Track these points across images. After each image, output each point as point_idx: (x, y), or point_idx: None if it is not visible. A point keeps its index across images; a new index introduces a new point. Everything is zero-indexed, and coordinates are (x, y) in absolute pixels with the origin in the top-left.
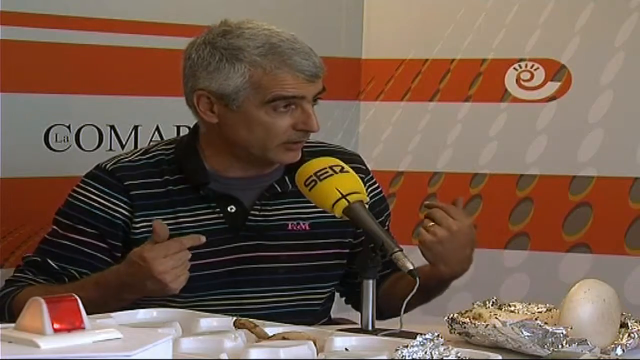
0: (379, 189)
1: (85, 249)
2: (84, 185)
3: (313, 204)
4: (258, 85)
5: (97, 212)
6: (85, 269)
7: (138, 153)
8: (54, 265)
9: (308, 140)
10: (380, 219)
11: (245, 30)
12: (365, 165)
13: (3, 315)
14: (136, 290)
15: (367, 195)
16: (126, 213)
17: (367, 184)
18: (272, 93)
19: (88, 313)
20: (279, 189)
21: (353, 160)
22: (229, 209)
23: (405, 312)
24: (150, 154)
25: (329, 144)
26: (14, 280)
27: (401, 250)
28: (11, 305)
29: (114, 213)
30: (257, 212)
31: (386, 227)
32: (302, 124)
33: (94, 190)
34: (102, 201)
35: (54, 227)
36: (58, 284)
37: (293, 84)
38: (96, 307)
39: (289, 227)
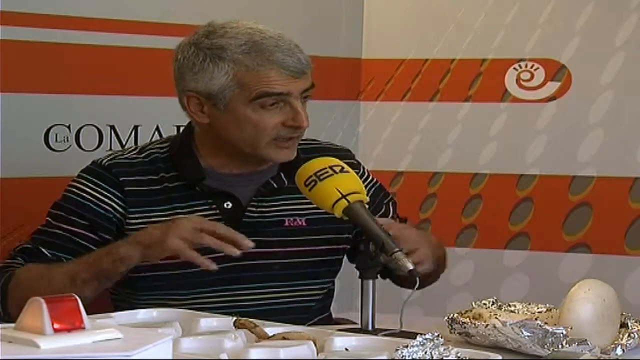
0: (375, 180)
1: (77, 239)
2: (78, 179)
3: (309, 200)
4: (242, 83)
5: (89, 204)
6: (76, 257)
7: (134, 151)
8: (45, 252)
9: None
10: (382, 211)
11: (229, 30)
12: (356, 160)
13: None
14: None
15: (365, 189)
16: (119, 209)
17: (362, 178)
18: (257, 90)
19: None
20: (275, 185)
21: (345, 156)
22: (225, 205)
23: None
24: (146, 152)
25: (319, 140)
26: (5, 266)
27: (401, 250)
28: (6, 290)
29: (106, 207)
30: (253, 209)
31: (392, 215)
32: (291, 120)
33: (87, 184)
34: (95, 194)
35: (48, 218)
36: (57, 264)
37: (278, 81)
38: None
39: (286, 223)
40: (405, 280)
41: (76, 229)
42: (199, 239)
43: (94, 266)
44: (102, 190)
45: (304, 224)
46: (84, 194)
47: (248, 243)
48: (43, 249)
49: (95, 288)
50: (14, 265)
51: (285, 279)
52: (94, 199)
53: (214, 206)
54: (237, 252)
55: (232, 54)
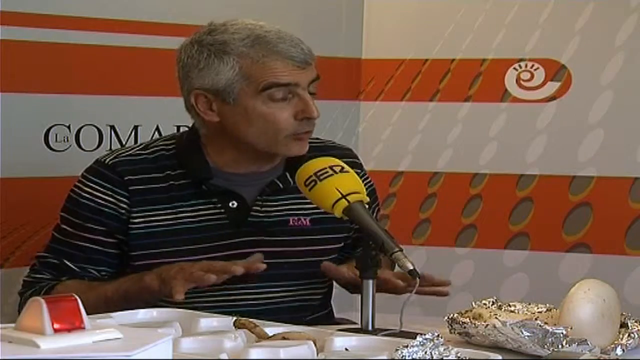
0: (371, 182)
1: (98, 247)
2: (86, 182)
3: None
4: (249, 75)
5: (104, 209)
6: (102, 266)
7: (138, 148)
8: (73, 267)
9: None
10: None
11: (229, 27)
12: (359, 160)
13: None
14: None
15: (365, 189)
16: (127, 207)
17: (361, 178)
18: (264, 81)
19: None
20: (280, 184)
21: (347, 155)
22: (230, 204)
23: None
24: (151, 149)
25: (323, 139)
26: (34, 281)
27: (401, 250)
28: None
29: (119, 209)
30: (258, 208)
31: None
32: (301, 112)
33: (97, 187)
34: (106, 197)
35: (63, 225)
36: (96, 285)
37: (284, 71)
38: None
39: (290, 222)
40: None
41: (96, 236)
42: (196, 277)
43: (123, 293)
44: (111, 193)
45: (308, 223)
46: (96, 199)
47: (237, 269)
48: (68, 262)
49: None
50: (43, 280)
51: (289, 278)
52: (106, 203)
53: (219, 205)
54: (239, 271)
55: (236, 48)
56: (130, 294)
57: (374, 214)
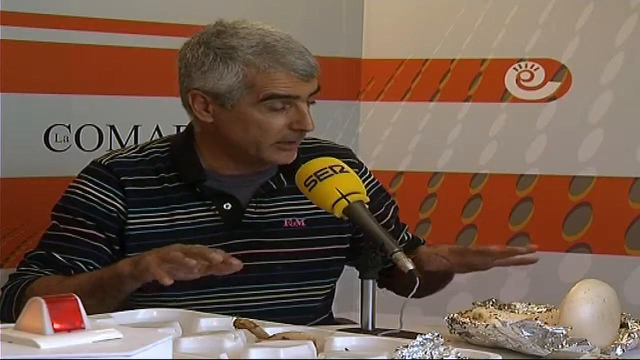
0: (375, 180)
1: (88, 240)
2: (80, 180)
3: (308, 201)
4: (252, 84)
5: (94, 205)
6: (90, 259)
7: (133, 150)
8: (60, 258)
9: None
10: (381, 211)
11: (240, 30)
12: (357, 159)
13: (10, 309)
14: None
15: (365, 189)
16: (122, 208)
17: (362, 178)
18: (265, 92)
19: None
20: (274, 186)
21: (345, 155)
22: (224, 206)
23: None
24: (146, 152)
25: (321, 139)
26: (19, 274)
27: (401, 250)
28: (22, 296)
29: (110, 207)
30: (252, 210)
31: (393, 217)
32: (296, 123)
33: (90, 184)
34: (98, 194)
35: (54, 222)
36: (72, 275)
37: (287, 83)
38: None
39: (285, 224)
40: (405, 287)
41: (86, 230)
42: (173, 255)
43: (96, 280)
44: (104, 191)
45: (303, 224)
46: (88, 195)
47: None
48: (56, 254)
49: (102, 302)
50: (28, 273)
51: (285, 280)
52: (98, 200)
53: (213, 207)
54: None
55: (243, 55)
56: (103, 280)
57: (392, 212)
